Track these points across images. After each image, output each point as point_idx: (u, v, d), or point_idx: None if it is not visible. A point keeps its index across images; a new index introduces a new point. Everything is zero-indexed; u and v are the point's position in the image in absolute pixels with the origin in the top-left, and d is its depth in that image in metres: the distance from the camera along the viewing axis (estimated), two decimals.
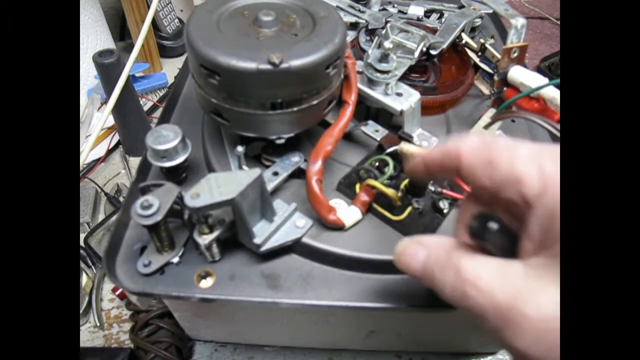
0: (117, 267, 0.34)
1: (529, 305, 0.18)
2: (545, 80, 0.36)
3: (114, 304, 0.53)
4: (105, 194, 0.63)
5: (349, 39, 0.49)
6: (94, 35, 0.73)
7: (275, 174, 0.37)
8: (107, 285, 0.54)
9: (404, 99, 0.40)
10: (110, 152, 0.70)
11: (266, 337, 0.49)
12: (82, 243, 0.57)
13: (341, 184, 0.38)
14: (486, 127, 0.35)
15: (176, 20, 0.91)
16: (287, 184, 0.39)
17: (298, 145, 0.40)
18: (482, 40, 0.48)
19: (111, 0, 0.92)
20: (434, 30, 0.49)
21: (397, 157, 0.38)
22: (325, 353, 0.50)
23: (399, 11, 0.56)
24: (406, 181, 0.36)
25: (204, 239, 0.32)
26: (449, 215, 0.36)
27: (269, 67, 0.30)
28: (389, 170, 0.36)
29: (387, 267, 0.34)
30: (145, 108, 0.75)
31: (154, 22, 0.85)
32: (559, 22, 1.06)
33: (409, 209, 0.35)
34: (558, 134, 0.27)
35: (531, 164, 0.20)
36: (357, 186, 0.37)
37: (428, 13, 0.56)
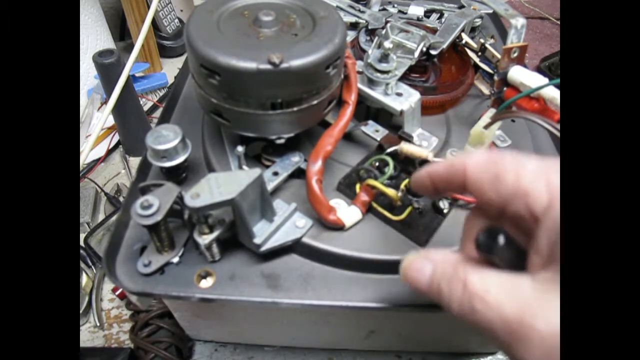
0: (117, 267, 0.34)
1: (539, 320, 0.18)
2: (545, 80, 0.36)
3: (114, 304, 0.53)
4: (105, 194, 0.63)
5: (349, 39, 0.49)
6: (94, 35, 0.73)
7: (275, 174, 0.37)
8: (107, 285, 0.54)
9: (404, 99, 0.40)
10: (110, 152, 0.70)
11: (266, 337, 0.49)
12: (82, 243, 0.57)
13: (341, 184, 0.38)
14: (486, 127, 0.35)
15: (176, 20, 0.91)
16: (287, 184, 0.39)
17: (298, 145, 0.40)
18: (482, 40, 0.48)
19: (111, 0, 0.92)
20: (434, 30, 0.49)
21: (397, 157, 0.38)
22: (325, 353, 0.50)
23: (399, 11, 0.56)
24: (406, 181, 0.36)
25: (204, 239, 0.32)
26: (449, 215, 0.36)
27: (269, 67, 0.30)
28: (389, 170, 0.36)
29: (387, 267, 0.34)
30: (145, 108, 0.75)
31: (154, 22, 0.85)
32: (559, 22, 1.06)
33: (409, 209, 0.35)
34: (558, 134, 0.27)
35: (538, 178, 0.20)
36: (357, 186, 0.37)
37: (428, 13, 0.56)
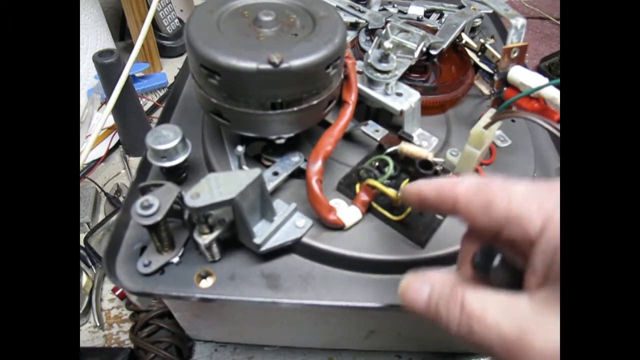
0: (117, 267, 0.34)
1: (537, 338, 0.18)
2: (545, 80, 0.36)
3: (114, 304, 0.53)
4: (105, 194, 0.63)
5: (349, 39, 0.49)
6: (94, 35, 0.73)
7: (275, 174, 0.37)
8: (107, 285, 0.54)
9: (404, 99, 0.40)
10: (110, 152, 0.70)
11: (266, 337, 0.49)
12: (82, 243, 0.57)
13: (341, 184, 0.38)
14: (486, 127, 0.35)
15: (176, 20, 0.91)
16: (287, 184, 0.39)
17: (298, 145, 0.40)
18: (482, 40, 0.48)
19: (111, 0, 0.92)
20: (434, 30, 0.49)
21: (397, 157, 0.38)
22: (325, 353, 0.50)
23: (399, 11, 0.56)
24: (406, 181, 0.36)
25: (204, 239, 0.32)
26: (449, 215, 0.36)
27: (269, 67, 0.30)
28: (389, 170, 0.36)
29: (387, 267, 0.34)
30: (145, 108, 0.75)
31: (154, 22, 0.85)
32: (559, 22, 1.06)
33: (409, 209, 0.35)
34: (558, 134, 0.27)
35: (529, 202, 0.20)
36: (357, 186, 0.37)
37: (428, 13, 0.56)
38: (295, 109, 0.33)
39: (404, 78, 0.42)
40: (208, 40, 0.32)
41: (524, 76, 0.37)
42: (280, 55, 0.30)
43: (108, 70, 0.56)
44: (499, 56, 0.46)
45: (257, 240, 0.32)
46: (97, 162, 0.68)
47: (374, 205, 0.36)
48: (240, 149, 0.36)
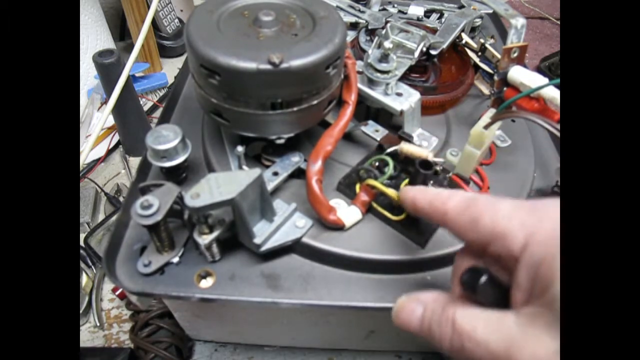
0: (117, 267, 0.34)
1: (525, 353, 0.19)
2: (545, 80, 0.36)
3: (114, 304, 0.53)
4: (105, 194, 0.63)
5: (349, 39, 0.49)
6: (94, 35, 0.73)
7: (275, 174, 0.37)
8: (107, 285, 0.54)
9: (404, 99, 0.40)
10: (110, 152, 0.70)
11: (266, 337, 0.49)
12: (82, 243, 0.57)
13: (341, 184, 0.38)
14: (486, 127, 0.35)
15: (176, 20, 0.91)
16: (287, 184, 0.39)
17: (298, 145, 0.40)
18: (482, 40, 0.48)
19: (111, 0, 0.92)
20: (434, 30, 0.49)
21: (397, 157, 0.38)
22: (325, 353, 0.50)
23: (399, 11, 0.56)
24: (406, 181, 0.36)
25: (204, 239, 0.32)
26: None
27: (269, 67, 0.30)
28: (389, 170, 0.36)
29: (387, 267, 0.34)
30: (145, 108, 0.75)
31: (154, 22, 0.85)
32: (559, 22, 1.06)
33: None
34: (558, 134, 0.27)
35: (513, 219, 0.22)
36: (357, 186, 0.37)
37: (428, 13, 0.56)
38: (295, 109, 0.33)
39: (404, 78, 0.42)
40: (208, 40, 0.32)
41: (524, 76, 0.37)
42: (280, 55, 0.30)
43: (108, 70, 0.56)
44: (499, 56, 0.46)
45: (257, 240, 0.32)
46: (97, 162, 0.68)
47: (374, 205, 0.36)
48: (240, 149, 0.36)
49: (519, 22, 0.44)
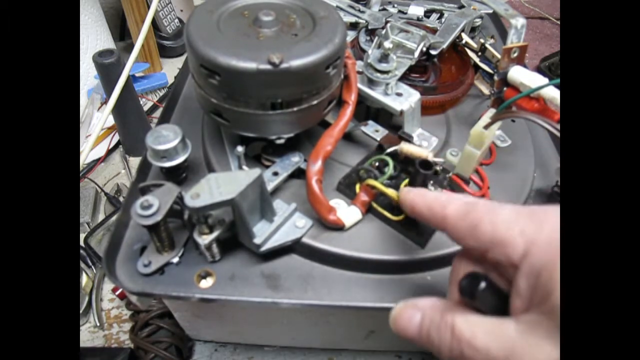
0: (117, 267, 0.34)
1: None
2: (545, 80, 0.36)
3: (114, 304, 0.53)
4: (105, 194, 0.63)
5: (349, 39, 0.49)
6: (94, 35, 0.73)
7: (275, 174, 0.37)
8: (107, 285, 0.54)
9: (404, 99, 0.40)
10: (110, 152, 0.70)
11: (266, 337, 0.49)
12: (82, 243, 0.57)
13: (341, 184, 0.38)
14: (486, 127, 0.35)
15: (176, 20, 0.91)
16: (287, 184, 0.39)
17: (298, 145, 0.40)
18: (482, 40, 0.48)
19: (111, 0, 0.92)
20: (434, 30, 0.49)
21: (397, 157, 0.38)
22: (325, 353, 0.50)
23: (399, 11, 0.56)
24: (406, 181, 0.36)
25: (204, 239, 0.32)
26: None
27: (269, 67, 0.30)
28: (389, 170, 0.36)
29: (387, 267, 0.34)
30: (145, 108, 0.75)
31: (154, 22, 0.85)
32: (559, 22, 1.06)
33: None
34: (558, 134, 0.27)
35: (512, 227, 0.21)
36: (357, 186, 0.37)
37: (428, 13, 0.56)
38: (295, 109, 0.33)
39: (404, 78, 0.42)
40: (208, 40, 0.32)
41: (524, 76, 0.37)
42: (280, 55, 0.30)
43: (108, 70, 0.56)
44: (499, 56, 0.46)
45: (257, 240, 0.32)
46: (97, 162, 0.68)
47: (374, 205, 0.36)
48: (240, 149, 0.36)
49: (519, 22, 0.44)
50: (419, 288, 0.34)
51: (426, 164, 0.34)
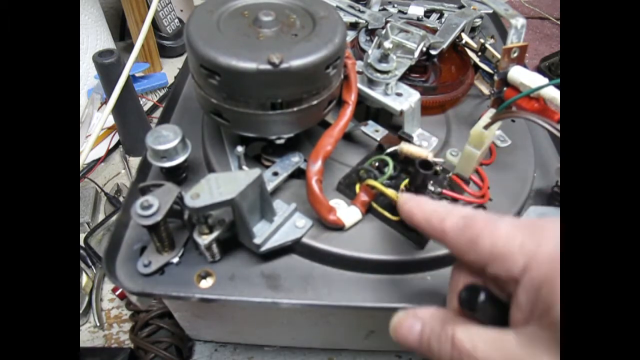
0: (117, 267, 0.34)
1: None
2: (545, 80, 0.36)
3: (114, 304, 0.53)
4: (105, 194, 0.63)
5: (349, 39, 0.49)
6: (94, 35, 0.73)
7: (275, 174, 0.37)
8: (107, 285, 0.54)
9: (404, 99, 0.40)
10: (110, 152, 0.70)
11: (266, 337, 0.49)
12: (82, 243, 0.57)
13: (341, 184, 0.38)
14: (486, 127, 0.35)
15: (176, 20, 0.91)
16: (287, 184, 0.39)
17: (298, 145, 0.40)
18: (482, 40, 0.48)
19: (111, 0, 0.92)
20: (434, 30, 0.49)
21: (397, 157, 0.38)
22: (325, 353, 0.50)
23: (399, 11, 0.56)
24: (406, 181, 0.36)
25: (204, 239, 0.32)
26: None
27: (269, 67, 0.30)
28: (389, 170, 0.36)
29: (387, 267, 0.34)
30: (145, 108, 0.75)
31: (154, 22, 0.85)
32: (559, 22, 1.06)
33: None
34: (558, 134, 0.27)
35: (512, 241, 0.21)
36: (357, 186, 0.37)
37: (428, 13, 0.56)
38: (295, 109, 0.33)
39: (404, 78, 0.42)
40: (208, 40, 0.32)
41: (524, 76, 0.37)
42: (280, 56, 0.30)
43: (108, 70, 0.56)
44: (499, 56, 0.46)
45: (257, 240, 0.32)
46: (97, 162, 0.68)
47: (374, 205, 0.36)
48: (240, 149, 0.36)
49: (519, 22, 0.44)
50: (419, 288, 0.34)
51: (426, 164, 0.34)
